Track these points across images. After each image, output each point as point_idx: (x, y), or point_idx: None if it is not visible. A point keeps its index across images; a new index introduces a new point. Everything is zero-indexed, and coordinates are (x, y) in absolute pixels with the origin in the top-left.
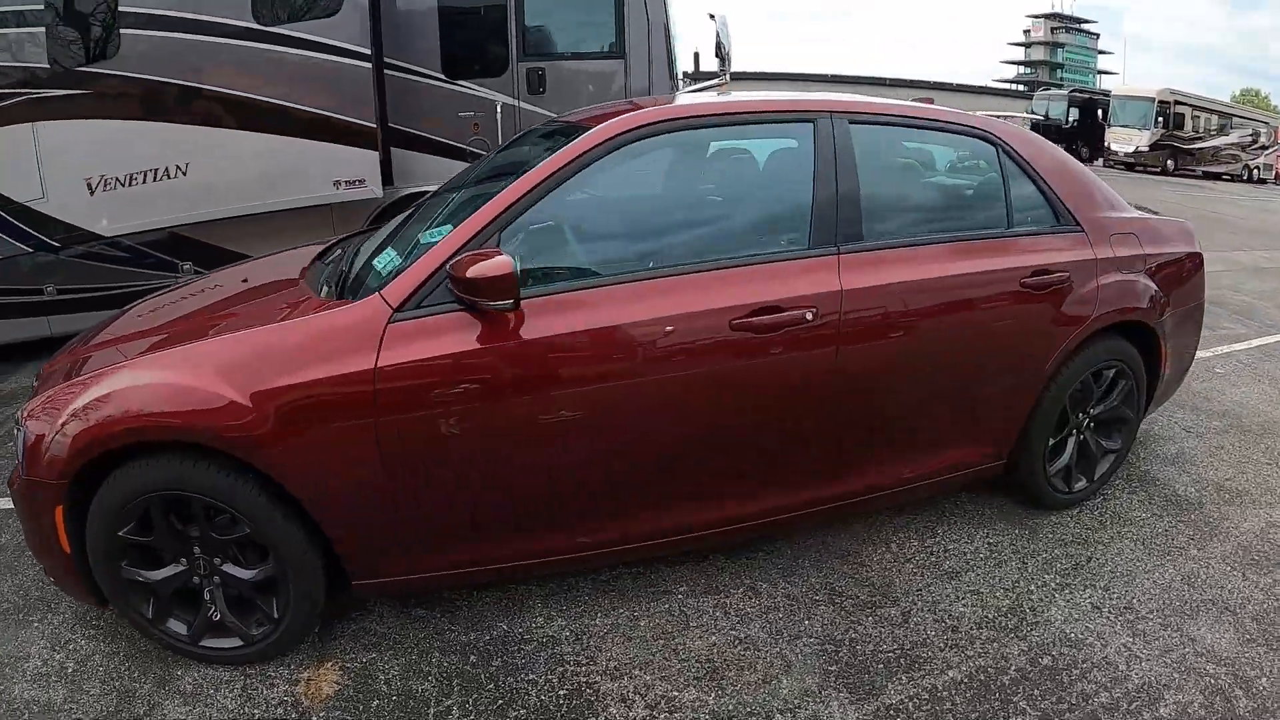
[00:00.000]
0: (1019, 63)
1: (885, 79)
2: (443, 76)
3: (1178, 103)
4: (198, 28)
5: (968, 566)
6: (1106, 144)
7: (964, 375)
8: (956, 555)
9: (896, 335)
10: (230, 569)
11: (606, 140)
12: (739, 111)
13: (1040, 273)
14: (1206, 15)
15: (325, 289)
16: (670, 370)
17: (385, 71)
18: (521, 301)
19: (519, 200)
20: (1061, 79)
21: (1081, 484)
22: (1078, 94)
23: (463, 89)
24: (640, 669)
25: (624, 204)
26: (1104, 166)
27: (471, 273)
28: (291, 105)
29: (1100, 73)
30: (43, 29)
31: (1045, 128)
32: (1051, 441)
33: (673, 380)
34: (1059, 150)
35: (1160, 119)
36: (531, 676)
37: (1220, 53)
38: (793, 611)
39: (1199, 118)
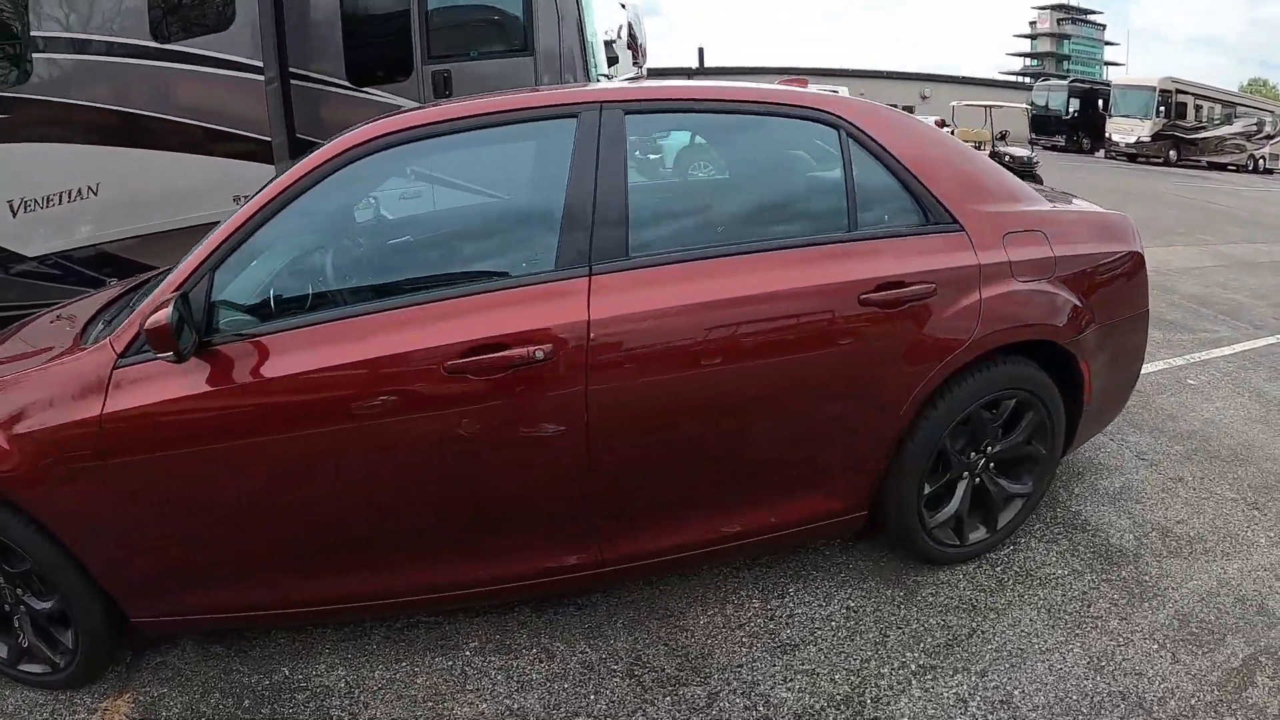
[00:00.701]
0: (1025, 55)
1: (883, 71)
2: (349, 84)
3: (1179, 91)
4: (102, 49)
5: (811, 638)
6: (1107, 135)
7: (782, 416)
8: (801, 622)
9: (675, 373)
10: (30, 599)
11: (332, 158)
12: (488, 112)
13: (889, 285)
14: (1217, 6)
15: (98, 330)
16: (381, 418)
17: (292, 83)
18: (221, 346)
19: (235, 233)
20: (1068, 70)
21: (980, 535)
22: (1078, 84)
23: (369, 96)
24: None
25: (355, 229)
26: (1106, 158)
27: (147, 324)
28: (190, 122)
29: (1107, 64)
30: None
31: (1046, 119)
32: (929, 489)
33: (388, 430)
34: (933, 130)
35: (1162, 108)
36: None
37: (1231, 44)
38: (582, 683)
39: (1202, 107)
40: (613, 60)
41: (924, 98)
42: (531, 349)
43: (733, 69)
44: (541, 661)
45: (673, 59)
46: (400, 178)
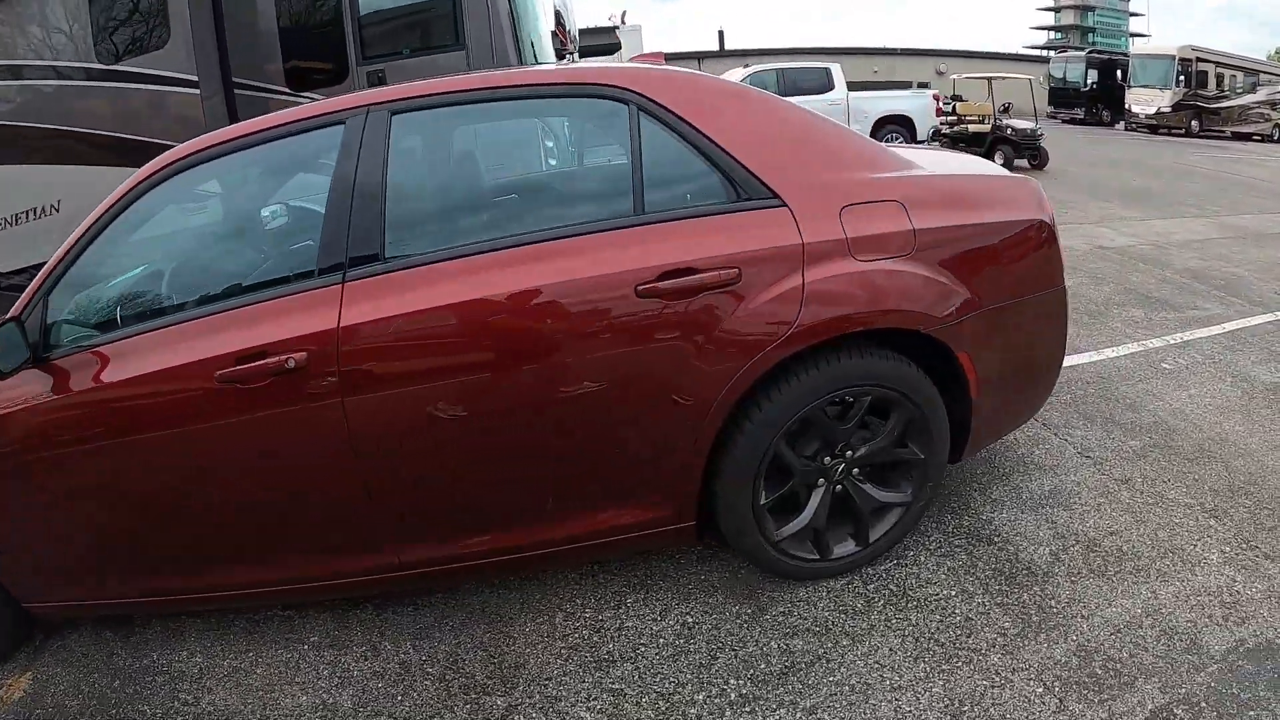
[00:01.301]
0: (1049, 28)
1: (897, 49)
2: (288, 90)
3: (1200, 60)
4: (53, 73)
5: (631, 654)
6: (1127, 106)
7: (559, 423)
8: (628, 637)
9: (434, 380)
10: None
11: (136, 185)
12: (268, 128)
13: (675, 273)
14: None
15: None
16: (177, 426)
17: (236, 92)
18: (57, 360)
19: (61, 260)
20: (1094, 43)
21: (849, 549)
22: (1096, 55)
23: (308, 100)
24: None
25: (164, 244)
26: (1125, 130)
27: None
28: (135, 138)
29: (1133, 35)
30: None
31: (1064, 91)
32: (767, 498)
33: (187, 437)
34: (751, 92)
35: (1182, 78)
36: (145, 709)
37: (1262, 15)
38: (396, 683)
39: (1224, 75)
40: (614, 48)
41: (940, 73)
42: (285, 358)
43: (753, 50)
44: (366, 659)
45: (691, 43)
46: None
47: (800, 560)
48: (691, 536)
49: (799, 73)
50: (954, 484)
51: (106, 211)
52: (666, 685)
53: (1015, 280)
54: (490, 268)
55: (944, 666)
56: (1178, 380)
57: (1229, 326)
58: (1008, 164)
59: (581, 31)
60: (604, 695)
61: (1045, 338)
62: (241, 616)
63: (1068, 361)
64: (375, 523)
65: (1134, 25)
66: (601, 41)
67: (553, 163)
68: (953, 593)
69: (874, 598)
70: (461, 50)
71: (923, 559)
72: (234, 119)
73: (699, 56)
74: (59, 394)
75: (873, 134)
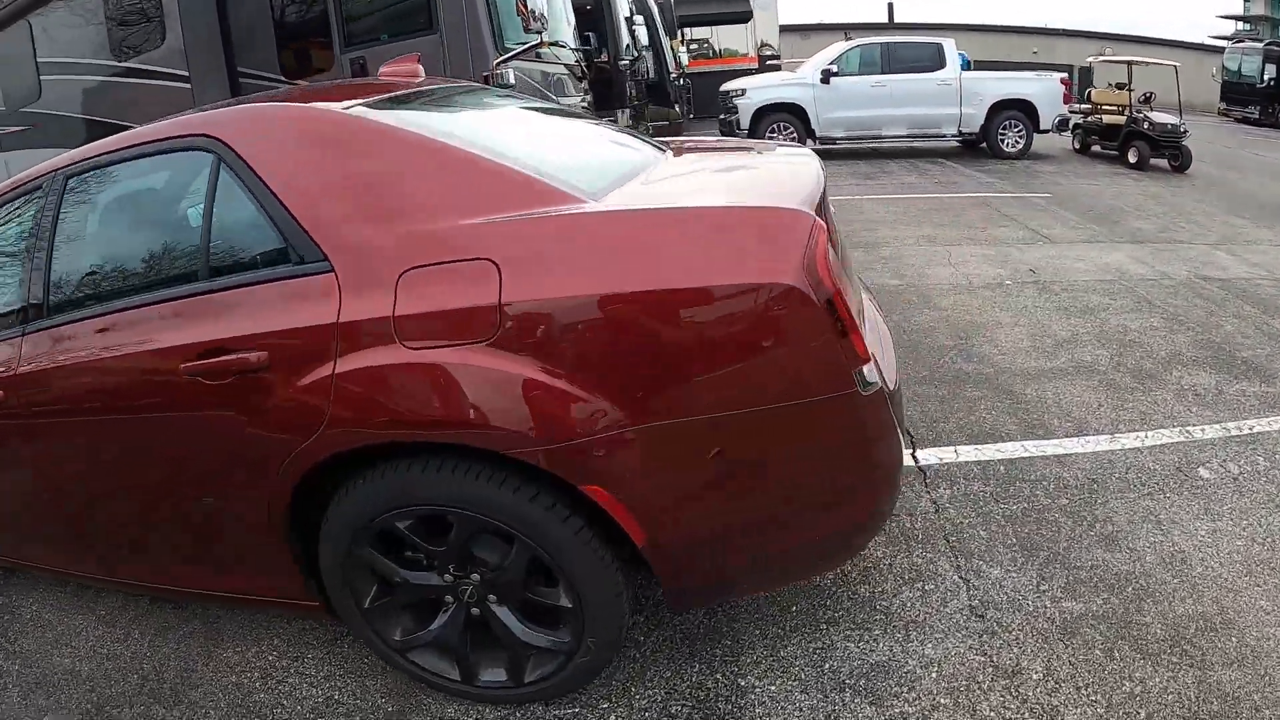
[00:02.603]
0: (1237, 18)
1: (1057, 29)
2: (283, 79)
3: None
4: (85, 69)
5: (272, 708)
6: None
7: (153, 487)
8: (284, 690)
9: (58, 432)
10: None
11: None
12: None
13: (213, 352)
14: None
15: None
16: None
17: (241, 80)
18: None
19: None
20: None
21: (498, 678)
22: (1274, 48)
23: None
24: None
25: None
26: None
27: None
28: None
29: None
30: None
31: (1238, 86)
32: (373, 601)
33: None
34: (363, 128)
35: None
36: None
37: None
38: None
39: None
40: (745, 16)
41: (1098, 57)
42: None
43: (926, 25)
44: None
45: (855, 13)
46: None
47: (437, 676)
48: (324, 614)
49: (905, 48)
50: (736, 619)
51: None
52: None
53: (722, 383)
54: (80, 334)
55: None
56: (1209, 501)
57: None
58: (1141, 163)
59: None
60: None
61: (810, 470)
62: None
63: (1057, 447)
64: (85, 539)
65: None
66: (732, 9)
67: (137, 226)
68: None
69: None
70: (435, 34)
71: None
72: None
73: (845, 29)
74: None
75: (988, 121)
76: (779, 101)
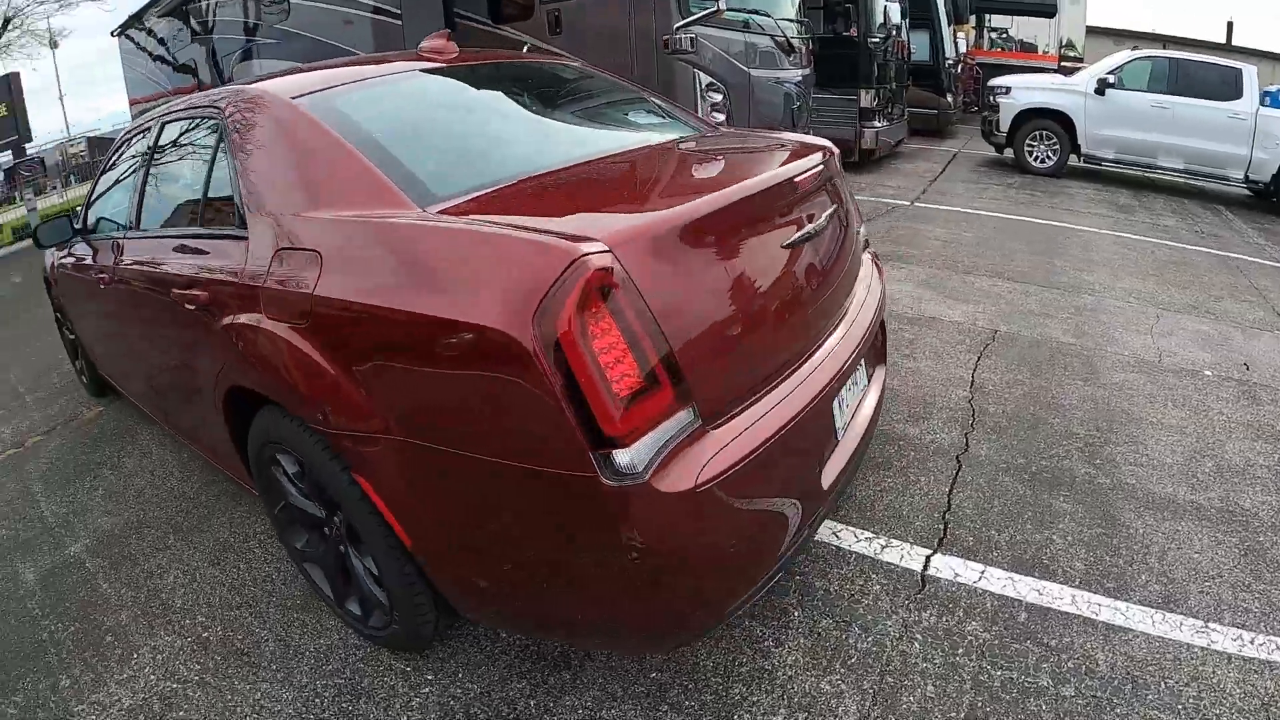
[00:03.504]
0: None
1: None
2: (490, 23)
3: None
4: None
5: None
6: None
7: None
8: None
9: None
10: None
11: (125, 138)
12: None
13: (187, 284)
14: None
15: None
16: (102, 287)
17: (457, 22)
18: (90, 239)
19: (95, 183)
20: None
21: (354, 610)
22: None
23: (504, 32)
24: None
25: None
26: None
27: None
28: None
29: None
30: None
31: None
32: (278, 510)
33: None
34: (318, 122)
35: None
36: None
37: None
38: None
39: None
40: (1050, 11)
41: None
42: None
43: (1266, 52)
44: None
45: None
46: None
47: (319, 590)
48: None
49: (1197, 68)
50: (594, 660)
51: (110, 155)
52: None
53: (459, 420)
54: (143, 245)
55: None
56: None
57: None
58: None
59: None
60: None
61: (554, 548)
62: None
63: (1116, 613)
64: (141, 378)
65: None
66: (1039, 1)
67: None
68: None
69: None
70: None
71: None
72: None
73: (1164, 41)
74: (82, 257)
75: None
76: (1044, 106)
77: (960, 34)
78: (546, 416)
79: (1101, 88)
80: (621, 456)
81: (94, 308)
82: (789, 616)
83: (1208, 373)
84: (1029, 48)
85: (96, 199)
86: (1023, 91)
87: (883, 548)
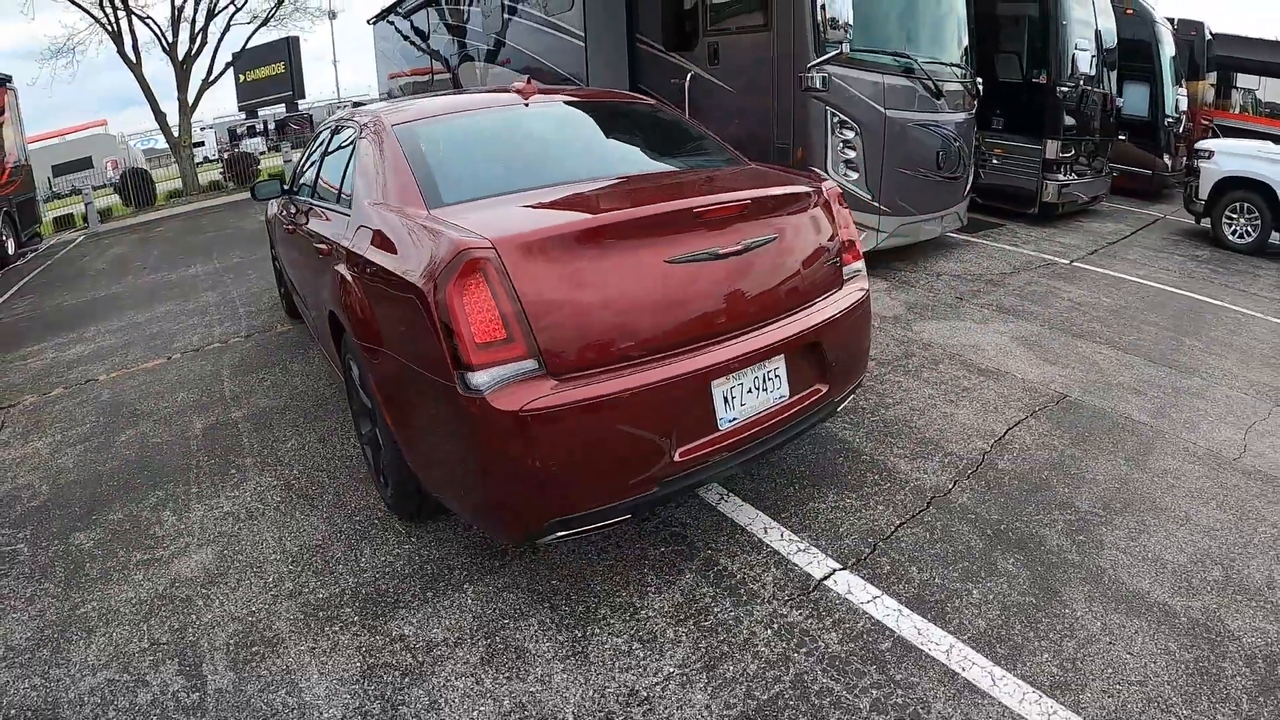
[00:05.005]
0: None
1: None
2: (663, 49)
3: None
4: (528, 16)
5: None
6: None
7: None
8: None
9: None
10: None
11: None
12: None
13: (322, 240)
14: None
15: None
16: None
17: (637, 46)
18: (291, 196)
19: (299, 162)
20: None
21: (383, 480)
22: None
23: (672, 58)
24: None
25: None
26: None
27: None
28: (556, 69)
29: None
30: None
31: None
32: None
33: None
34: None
35: None
36: None
37: None
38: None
39: None
40: None
41: None
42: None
43: None
44: None
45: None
46: None
47: (368, 465)
48: None
49: None
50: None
51: (311, 140)
52: None
53: (398, 335)
54: (314, 207)
55: None
56: None
57: None
58: None
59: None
60: None
61: (442, 432)
62: None
63: (984, 674)
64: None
65: None
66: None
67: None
68: None
69: None
70: (769, 32)
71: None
72: (633, 66)
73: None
74: (285, 210)
75: None
76: (1246, 176)
77: (1183, 91)
78: (436, 343)
79: None
80: (472, 377)
81: (286, 250)
82: (681, 577)
83: None
84: (1277, 113)
85: (298, 170)
86: (1227, 157)
87: (799, 550)
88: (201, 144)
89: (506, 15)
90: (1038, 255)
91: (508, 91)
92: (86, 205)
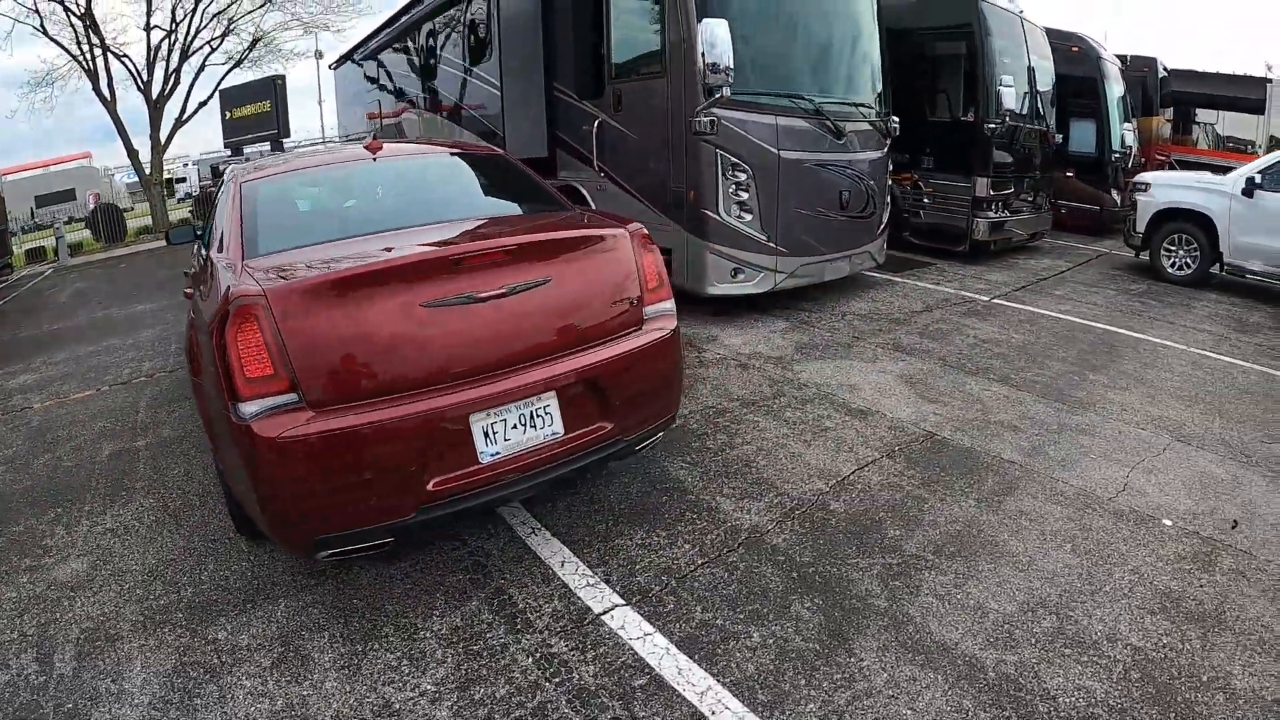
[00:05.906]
0: None
1: None
2: (575, 96)
3: None
4: (455, 67)
5: None
6: None
7: None
8: None
9: None
10: None
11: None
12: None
13: (194, 277)
14: None
15: None
16: None
17: (554, 95)
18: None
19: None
20: None
21: None
22: None
23: (583, 105)
24: None
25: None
26: None
27: None
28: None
29: None
30: None
31: None
32: None
33: None
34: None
35: None
36: None
37: None
38: None
39: None
40: (1259, 107)
41: None
42: None
43: None
44: None
45: None
46: None
47: None
48: None
49: None
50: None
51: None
52: None
53: (208, 366)
54: None
55: None
56: None
57: None
58: None
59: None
60: None
61: (235, 459)
62: None
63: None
64: None
65: None
66: (1242, 94)
67: None
68: None
69: None
70: (664, 79)
71: None
72: (551, 114)
73: None
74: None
75: None
76: (1183, 207)
77: (1130, 126)
78: (220, 377)
79: (1250, 188)
80: (243, 407)
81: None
82: (468, 603)
83: (1167, 522)
84: (1234, 146)
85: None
86: (1163, 188)
87: (588, 585)
88: (184, 180)
89: (440, 66)
90: (957, 293)
91: (353, 149)
92: (57, 239)
